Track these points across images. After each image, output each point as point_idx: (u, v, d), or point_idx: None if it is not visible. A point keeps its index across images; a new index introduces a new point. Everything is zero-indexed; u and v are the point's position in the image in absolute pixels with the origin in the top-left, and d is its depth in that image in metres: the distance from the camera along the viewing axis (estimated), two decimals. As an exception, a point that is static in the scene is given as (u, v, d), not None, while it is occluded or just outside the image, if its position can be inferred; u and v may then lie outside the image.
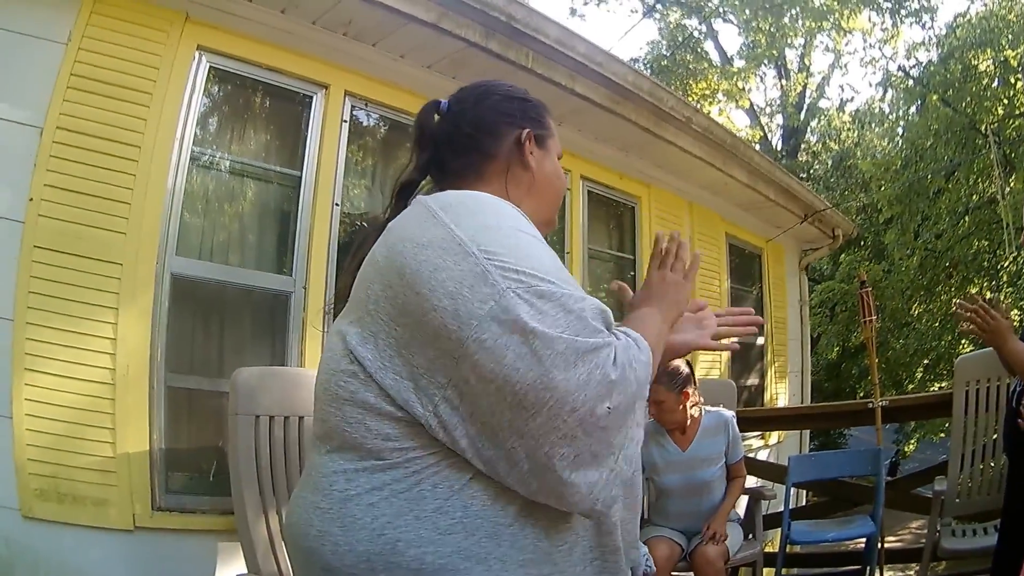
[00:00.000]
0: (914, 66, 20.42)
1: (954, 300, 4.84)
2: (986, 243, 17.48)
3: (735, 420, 5.08)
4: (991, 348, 4.07)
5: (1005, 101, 16.72)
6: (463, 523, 1.56)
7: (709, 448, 4.90)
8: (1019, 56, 16.22)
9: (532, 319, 1.47)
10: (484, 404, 1.50)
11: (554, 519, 1.62)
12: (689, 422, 4.88)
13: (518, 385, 1.45)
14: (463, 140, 1.97)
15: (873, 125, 23.74)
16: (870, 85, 40.40)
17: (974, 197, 17.65)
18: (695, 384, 4.94)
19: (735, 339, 2.31)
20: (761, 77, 27.04)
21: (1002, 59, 16.45)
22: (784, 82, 26.59)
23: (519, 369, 1.45)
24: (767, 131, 27.70)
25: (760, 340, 9.74)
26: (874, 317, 6.22)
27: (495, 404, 1.49)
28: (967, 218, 17.61)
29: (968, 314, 3.88)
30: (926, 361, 19.03)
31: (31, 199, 3.80)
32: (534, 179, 1.98)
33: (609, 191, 7.46)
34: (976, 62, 16.83)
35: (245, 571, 3.72)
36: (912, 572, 6.81)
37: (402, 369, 1.59)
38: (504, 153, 1.96)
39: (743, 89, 24.77)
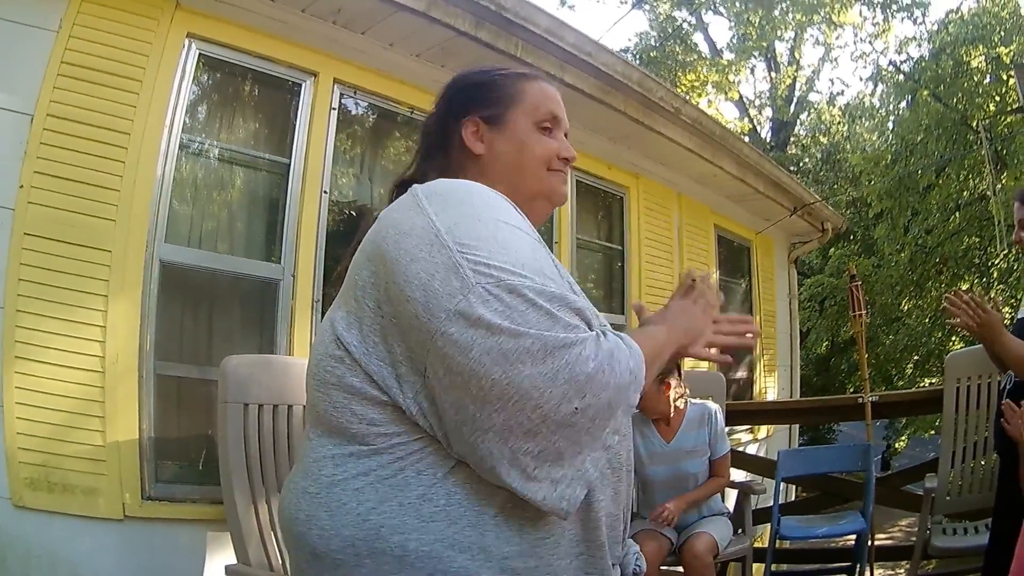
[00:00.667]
0: (905, 61, 20.63)
1: (944, 296, 4.80)
2: (977, 239, 17.64)
3: (720, 413, 5.10)
4: (981, 345, 4.09)
5: (997, 98, 16.85)
6: (446, 511, 1.58)
7: (694, 440, 4.92)
8: (1011, 53, 16.34)
9: (498, 315, 1.47)
10: (453, 397, 1.51)
11: (540, 511, 1.61)
12: (673, 413, 4.89)
13: (483, 380, 1.46)
14: (429, 141, 2.05)
15: (863, 119, 23.86)
16: (860, 79, 40.51)
17: (965, 193, 17.81)
18: (680, 375, 4.97)
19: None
20: (751, 70, 27.19)
21: (994, 56, 16.57)
22: (774, 75, 26.72)
23: (484, 364, 1.45)
24: (756, 124, 27.83)
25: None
26: (864, 312, 6.25)
27: (462, 398, 1.50)
28: (958, 214, 17.77)
29: (958, 309, 3.84)
30: (916, 357, 19.19)
31: (21, 186, 3.84)
32: (492, 164, 1.98)
33: (598, 181, 7.52)
34: (968, 58, 16.95)
35: (235, 561, 3.74)
36: (902, 570, 6.88)
37: (385, 356, 1.62)
38: (456, 148, 2.00)
39: (732, 81, 24.85)
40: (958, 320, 3.86)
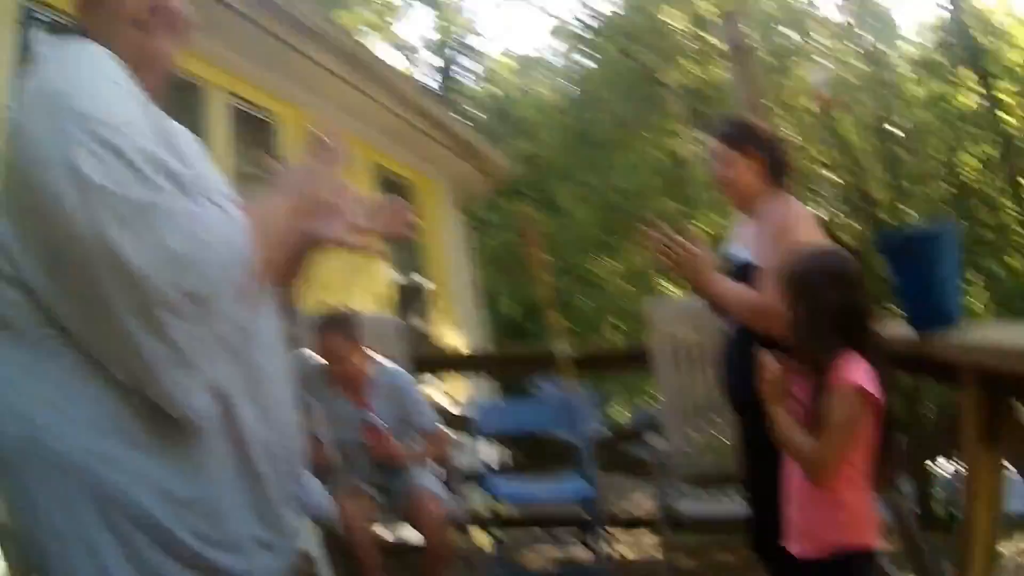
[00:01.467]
0: (593, 17, 20.84)
1: (638, 226, 4.35)
2: (678, 205, 18.05)
3: (413, 385, 4.97)
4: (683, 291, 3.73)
5: (698, 58, 17.29)
6: (97, 425, 1.57)
7: (384, 410, 4.68)
8: (716, 12, 16.79)
9: (90, 168, 1.47)
10: (61, 264, 1.52)
11: (185, 433, 1.61)
12: (359, 376, 4.69)
13: (77, 239, 1.47)
14: None
15: (539, 74, 24.35)
16: (537, 33, 41.79)
17: (659, 154, 18.26)
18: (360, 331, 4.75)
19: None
20: (411, 8, 27.27)
21: (696, 14, 16.97)
22: (437, 19, 26.93)
23: (78, 222, 1.47)
24: (419, 70, 27.94)
25: (428, 284, 10.04)
26: (539, 249, 6.17)
27: (66, 262, 1.51)
28: (659, 178, 18.15)
29: (658, 245, 3.29)
30: (611, 319, 19.66)
31: None
32: (95, 33, 1.83)
33: (249, 107, 7.42)
34: (666, 18, 17.34)
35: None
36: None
37: (20, 234, 1.59)
38: None
39: (390, 23, 24.78)
40: (660, 257, 3.34)
